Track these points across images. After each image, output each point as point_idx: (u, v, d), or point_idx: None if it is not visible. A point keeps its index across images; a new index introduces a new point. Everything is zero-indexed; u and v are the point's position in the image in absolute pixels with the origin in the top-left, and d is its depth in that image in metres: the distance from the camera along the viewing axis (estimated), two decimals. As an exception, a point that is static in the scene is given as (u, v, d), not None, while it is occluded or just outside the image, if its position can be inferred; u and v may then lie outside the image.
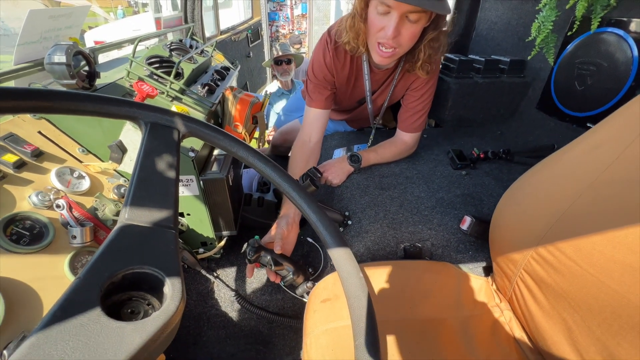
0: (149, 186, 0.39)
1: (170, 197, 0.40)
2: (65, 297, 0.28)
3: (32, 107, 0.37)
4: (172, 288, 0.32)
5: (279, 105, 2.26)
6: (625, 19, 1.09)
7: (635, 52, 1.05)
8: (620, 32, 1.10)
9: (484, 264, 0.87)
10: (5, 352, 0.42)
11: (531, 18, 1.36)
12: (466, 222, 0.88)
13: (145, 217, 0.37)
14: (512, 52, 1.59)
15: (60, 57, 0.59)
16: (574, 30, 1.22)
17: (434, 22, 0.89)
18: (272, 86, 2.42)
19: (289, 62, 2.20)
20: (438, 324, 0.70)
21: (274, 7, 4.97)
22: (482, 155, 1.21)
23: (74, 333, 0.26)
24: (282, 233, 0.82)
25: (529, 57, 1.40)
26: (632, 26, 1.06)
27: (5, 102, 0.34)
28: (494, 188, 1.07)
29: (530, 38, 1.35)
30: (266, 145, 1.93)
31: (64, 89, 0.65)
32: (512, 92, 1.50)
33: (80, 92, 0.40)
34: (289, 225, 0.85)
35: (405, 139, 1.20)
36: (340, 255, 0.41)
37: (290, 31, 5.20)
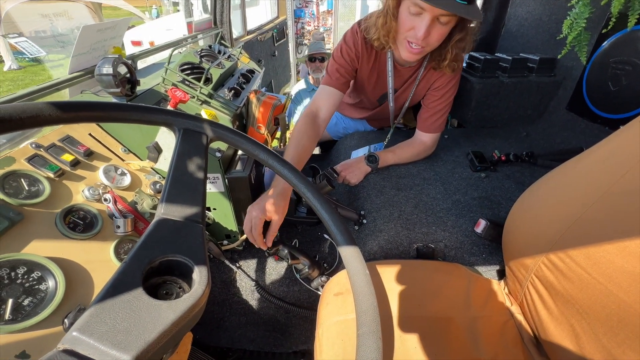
0: (181, 185, 0.46)
1: (199, 195, 0.46)
2: (115, 277, 0.34)
3: (89, 117, 0.44)
4: (200, 275, 0.38)
5: (308, 99, 2.33)
6: (666, 16, 1.02)
7: (676, 51, 0.99)
8: (660, 29, 1.03)
9: (497, 267, 0.88)
10: (66, 320, 0.50)
11: (563, 14, 1.30)
12: (481, 225, 0.89)
13: (177, 212, 0.43)
14: (542, 50, 1.53)
15: (107, 69, 0.68)
16: (609, 27, 1.16)
17: (462, 23, 0.91)
18: (298, 85, 2.48)
19: (322, 60, 2.26)
20: (445, 322, 0.73)
21: (299, 4, 5.00)
22: (503, 158, 1.20)
23: (122, 307, 0.32)
24: (257, 216, 0.77)
25: (559, 56, 1.34)
26: (674, 23, 1.00)
27: (68, 114, 0.41)
28: (514, 191, 1.06)
29: (561, 35, 1.29)
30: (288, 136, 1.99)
31: (111, 97, 0.74)
32: (541, 92, 1.45)
33: (127, 103, 0.47)
34: (282, 195, 0.82)
35: (424, 139, 1.20)
36: (348, 253, 0.45)
37: (316, 27, 5.22)
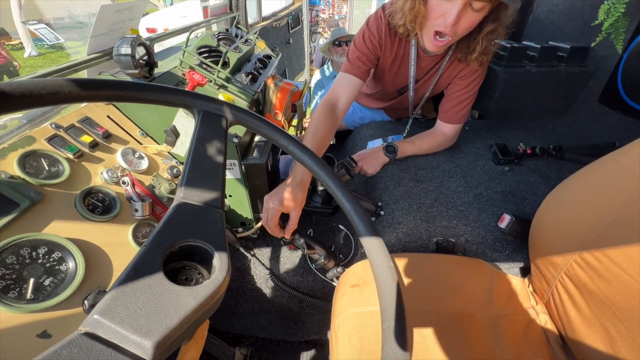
0: (200, 169, 0.44)
1: (218, 180, 0.44)
2: (136, 260, 0.33)
3: (109, 96, 0.43)
4: (220, 261, 0.36)
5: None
6: None
7: None
8: None
9: (521, 264, 0.84)
10: (85, 301, 0.50)
11: (600, -1, 1.22)
12: (505, 220, 0.85)
13: (197, 196, 0.41)
14: (573, 38, 1.44)
15: (126, 49, 0.66)
16: (652, 13, 1.08)
17: (495, 12, 0.84)
18: (315, 77, 2.45)
19: (347, 43, 2.25)
20: (466, 319, 0.70)
21: (315, -9, 4.90)
22: (528, 151, 1.14)
23: (144, 291, 0.31)
24: (274, 208, 0.75)
25: (592, 44, 1.26)
26: None
27: (88, 92, 0.40)
28: (540, 187, 1.01)
29: (597, 22, 1.21)
30: (303, 132, 1.97)
31: (129, 78, 0.73)
32: (571, 83, 1.37)
33: (146, 83, 0.45)
34: (300, 187, 0.78)
35: (444, 130, 1.16)
36: (372, 244, 0.43)
37: (331, 15, 5.11)
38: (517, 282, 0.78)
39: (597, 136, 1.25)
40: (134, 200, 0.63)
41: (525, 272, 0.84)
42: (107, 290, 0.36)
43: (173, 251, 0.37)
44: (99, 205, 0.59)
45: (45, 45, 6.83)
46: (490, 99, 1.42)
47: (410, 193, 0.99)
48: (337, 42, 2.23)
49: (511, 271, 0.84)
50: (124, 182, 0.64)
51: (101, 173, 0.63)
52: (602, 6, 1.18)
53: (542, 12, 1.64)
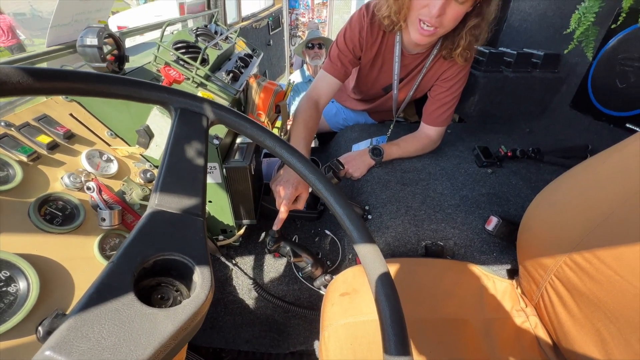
0: (178, 172, 0.39)
1: (198, 185, 0.40)
2: (101, 280, 0.28)
3: (67, 89, 0.37)
4: (202, 277, 0.32)
5: (304, 92, 2.27)
6: (679, 12, 1.00)
7: (689, 48, 0.97)
8: (673, 25, 1.01)
9: (508, 266, 0.84)
10: (40, 328, 0.43)
11: (571, 9, 1.27)
12: (492, 223, 0.85)
13: (174, 203, 0.37)
14: (545, 46, 1.50)
15: (92, 40, 0.59)
16: (618, 23, 1.14)
17: (478, 7, 0.85)
18: (294, 77, 2.41)
19: (320, 46, 2.22)
20: (460, 325, 0.69)
21: (294, -6, 4.88)
22: (509, 154, 1.17)
23: (110, 317, 0.26)
24: (292, 193, 0.81)
25: (565, 51, 1.32)
26: (687, 19, 0.98)
27: (42, 83, 0.34)
28: (522, 188, 1.03)
29: (568, 30, 1.27)
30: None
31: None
32: (545, 88, 1.43)
33: (113, 75, 0.40)
34: (299, 183, 0.83)
35: (429, 132, 1.16)
36: (367, 251, 0.40)
37: (310, 19, 5.11)
38: (506, 285, 0.78)
39: (571, 139, 1.30)
40: (100, 208, 0.56)
41: (513, 274, 0.84)
42: (66, 313, 0.30)
43: (146, 267, 0.32)
44: (58, 215, 0.52)
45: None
46: (470, 103, 1.45)
47: (397, 196, 0.97)
48: (309, 45, 2.21)
49: (499, 273, 0.84)
50: (89, 188, 0.57)
51: (62, 178, 0.56)
52: (574, 15, 1.24)
53: (516, 20, 1.71)
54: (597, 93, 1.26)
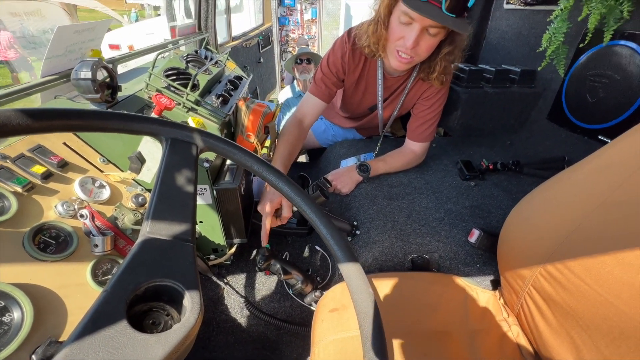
0: (169, 200, 0.42)
1: (188, 211, 0.42)
2: (95, 309, 0.30)
3: (64, 126, 0.39)
4: (191, 301, 0.34)
5: (295, 107, 2.33)
6: (638, 32, 1.08)
7: (649, 66, 1.04)
8: (634, 45, 1.09)
9: (491, 277, 0.88)
10: (33, 356, 0.44)
11: (542, 28, 1.36)
12: (474, 235, 0.89)
13: (165, 230, 0.39)
14: (522, 62, 1.58)
15: (86, 73, 0.62)
16: (585, 42, 1.22)
17: (451, 37, 0.92)
18: (284, 93, 2.47)
19: (309, 61, 2.29)
20: (444, 337, 0.71)
21: (284, 12, 5.01)
22: (491, 167, 1.22)
23: (104, 344, 0.28)
24: (272, 206, 0.87)
25: (539, 68, 1.39)
26: (646, 40, 1.06)
27: (40, 123, 0.36)
28: (503, 200, 1.08)
29: (541, 49, 1.35)
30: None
31: (88, 103, 0.68)
32: (523, 102, 1.50)
33: (107, 110, 0.42)
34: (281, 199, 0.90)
35: (414, 148, 1.21)
36: (350, 270, 0.43)
37: (300, 35, 5.24)
38: (489, 296, 0.81)
39: (549, 151, 1.36)
40: (93, 235, 0.58)
41: (496, 284, 0.87)
42: (59, 340, 0.32)
43: (138, 293, 0.34)
44: (51, 243, 0.54)
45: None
46: (453, 118, 1.51)
47: (384, 211, 1.01)
48: (298, 60, 2.28)
49: (483, 284, 0.87)
50: (81, 216, 0.59)
51: (55, 206, 0.57)
52: (545, 35, 1.32)
53: (494, 38, 1.80)
54: (570, 107, 1.33)
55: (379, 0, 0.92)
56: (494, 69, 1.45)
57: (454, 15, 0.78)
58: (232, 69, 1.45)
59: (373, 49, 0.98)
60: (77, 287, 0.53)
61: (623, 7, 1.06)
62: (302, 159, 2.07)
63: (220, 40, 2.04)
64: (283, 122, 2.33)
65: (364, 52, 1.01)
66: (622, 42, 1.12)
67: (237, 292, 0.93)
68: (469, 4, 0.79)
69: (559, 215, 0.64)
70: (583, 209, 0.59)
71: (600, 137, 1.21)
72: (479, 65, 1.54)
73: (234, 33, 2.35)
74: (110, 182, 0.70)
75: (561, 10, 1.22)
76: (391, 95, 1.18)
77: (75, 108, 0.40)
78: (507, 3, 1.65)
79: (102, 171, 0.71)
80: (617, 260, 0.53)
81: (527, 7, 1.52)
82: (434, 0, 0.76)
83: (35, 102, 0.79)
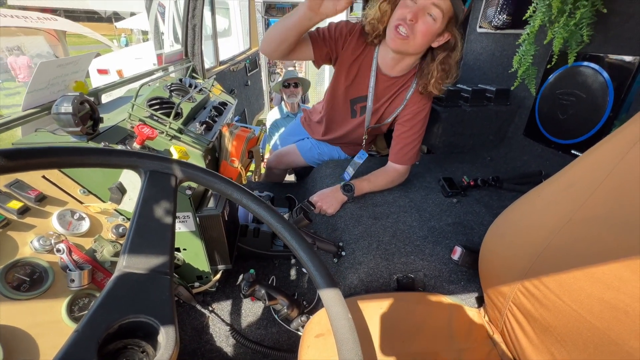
0: (146, 233, 0.42)
1: (166, 243, 0.42)
2: (65, 351, 0.29)
3: (41, 164, 0.40)
4: (166, 336, 0.33)
5: (283, 127, 2.37)
6: (599, 55, 1.16)
7: (610, 85, 1.11)
8: (596, 66, 1.16)
9: (476, 294, 0.88)
10: (1, 402, 0.43)
11: (513, 50, 1.44)
12: (457, 253, 0.90)
13: (142, 263, 0.39)
14: (497, 81, 1.67)
15: (67, 108, 0.63)
16: (552, 63, 1.30)
17: (445, 44, 1.01)
18: (272, 114, 2.52)
19: (296, 85, 2.36)
20: (431, 358, 0.71)
21: (271, 36, 5.18)
22: (472, 183, 1.25)
23: None
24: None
25: (512, 87, 1.46)
26: (606, 61, 1.13)
27: (16, 162, 0.37)
28: (485, 216, 1.10)
29: (512, 69, 1.42)
30: (263, 170, 1.97)
31: (69, 136, 0.69)
32: (500, 119, 1.56)
33: (84, 146, 0.43)
34: None
35: (397, 167, 1.23)
36: (329, 297, 0.43)
37: (287, 57, 5.39)
38: (474, 313, 0.81)
39: (527, 165, 1.41)
40: (69, 270, 0.57)
41: (480, 301, 0.88)
42: None
43: (111, 332, 0.33)
44: (25, 280, 0.53)
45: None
46: (435, 135, 1.56)
47: (369, 231, 1.02)
48: (285, 84, 2.35)
49: (468, 302, 0.88)
50: (58, 250, 0.58)
51: (31, 242, 0.57)
52: (515, 57, 1.40)
53: (470, 59, 1.89)
54: (544, 123, 1.39)
55: None
56: (470, 89, 1.52)
57: None
58: (217, 94, 1.47)
59: (375, 24, 1.03)
60: (51, 324, 0.52)
61: (583, 32, 1.14)
62: (291, 178, 2.08)
63: (207, 64, 2.08)
64: (272, 142, 2.36)
65: (366, 29, 1.06)
66: (585, 63, 1.20)
67: (222, 319, 0.91)
68: None
69: (531, 233, 0.66)
70: (553, 226, 0.62)
71: (573, 151, 1.26)
72: (457, 85, 1.61)
73: (223, 57, 2.41)
74: (90, 214, 0.70)
75: (527, 34, 1.30)
76: (383, 98, 1.19)
77: (51, 146, 0.41)
78: (480, 27, 1.75)
79: (82, 203, 0.71)
80: (586, 275, 0.55)
81: (498, 31, 1.62)
82: None
83: (16, 135, 0.79)
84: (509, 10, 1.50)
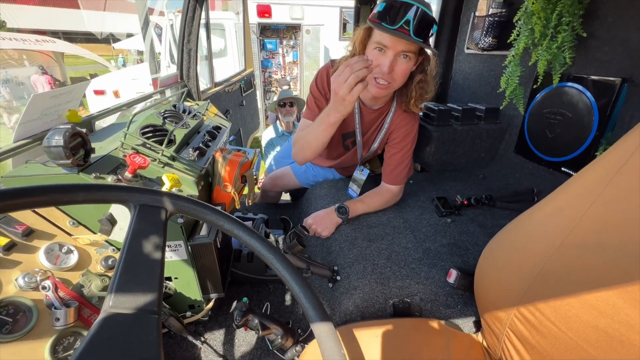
0: (134, 270, 0.41)
1: (155, 280, 0.41)
2: None
3: (29, 204, 0.40)
4: None
5: (278, 146, 2.40)
6: (583, 76, 1.19)
7: (595, 105, 1.14)
8: (580, 87, 1.20)
9: (473, 318, 0.87)
10: None
11: (500, 71, 1.48)
12: (452, 275, 0.90)
13: (129, 303, 0.38)
14: (486, 100, 1.70)
15: (57, 141, 0.63)
16: (538, 83, 1.33)
17: (421, 66, 1.03)
18: (268, 132, 2.55)
19: (291, 104, 2.40)
20: (429, 390, 0.69)
21: (267, 56, 5.31)
22: (465, 202, 1.25)
23: None
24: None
25: (501, 107, 1.50)
26: (589, 81, 1.17)
27: (3, 203, 0.37)
28: (479, 236, 1.10)
29: (500, 89, 1.46)
30: (257, 190, 1.97)
31: (60, 168, 0.69)
32: (490, 137, 1.59)
33: (72, 184, 0.43)
34: None
35: (390, 188, 1.24)
36: (321, 331, 0.43)
37: (282, 76, 5.52)
38: (472, 340, 0.80)
39: (519, 183, 1.43)
40: (55, 308, 0.56)
41: (478, 325, 0.86)
42: None
43: (92, 382, 0.32)
44: (8, 321, 0.51)
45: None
46: (428, 154, 1.58)
47: (364, 254, 1.01)
48: (281, 103, 2.39)
49: (466, 327, 0.86)
50: (44, 287, 0.57)
51: (16, 279, 0.55)
52: (502, 77, 1.43)
53: (460, 78, 1.94)
54: (533, 141, 1.42)
55: (353, 37, 1.02)
56: (460, 108, 1.55)
57: (421, 40, 0.89)
58: (212, 116, 1.49)
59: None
60: (33, 368, 0.50)
61: (565, 54, 1.18)
62: (287, 197, 2.08)
63: (202, 86, 2.11)
64: (268, 161, 2.37)
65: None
66: (570, 84, 1.24)
67: (215, 350, 0.88)
68: (431, 32, 0.92)
69: (524, 257, 0.66)
70: (545, 251, 0.62)
71: (563, 169, 1.28)
72: (448, 105, 1.64)
73: (219, 78, 2.45)
74: (79, 246, 0.69)
75: (513, 56, 1.34)
76: (371, 129, 1.22)
77: (37, 185, 0.40)
78: (467, 48, 1.81)
79: (71, 235, 0.70)
80: (580, 302, 0.54)
81: (485, 52, 1.67)
82: (403, 28, 0.87)
83: (6, 167, 0.78)
84: (494, 34, 1.56)
